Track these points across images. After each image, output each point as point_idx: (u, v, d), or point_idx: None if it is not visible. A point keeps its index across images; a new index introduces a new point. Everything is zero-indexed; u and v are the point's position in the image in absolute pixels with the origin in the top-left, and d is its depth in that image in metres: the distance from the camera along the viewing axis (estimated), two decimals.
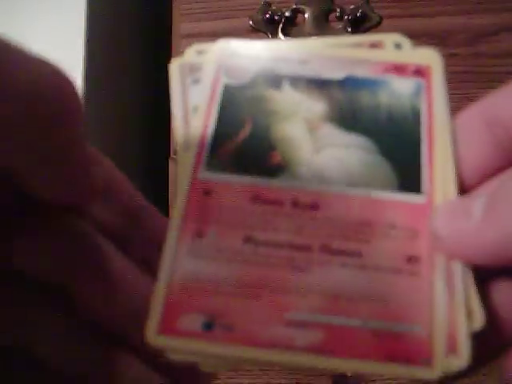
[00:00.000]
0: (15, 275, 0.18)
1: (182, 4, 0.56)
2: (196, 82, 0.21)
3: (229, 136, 0.20)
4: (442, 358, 0.16)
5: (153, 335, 0.17)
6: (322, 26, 0.54)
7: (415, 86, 0.20)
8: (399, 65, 0.21)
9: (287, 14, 0.54)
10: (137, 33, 0.70)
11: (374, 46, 0.21)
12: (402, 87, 0.20)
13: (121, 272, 0.19)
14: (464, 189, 0.19)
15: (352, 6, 0.54)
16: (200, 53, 0.22)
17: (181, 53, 0.21)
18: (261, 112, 0.20)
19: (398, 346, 0.17)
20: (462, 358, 0.16)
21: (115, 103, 0.61)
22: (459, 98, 0.53)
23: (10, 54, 0.14)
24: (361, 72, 0.21)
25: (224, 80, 0.21)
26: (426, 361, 0.16)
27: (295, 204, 0.19)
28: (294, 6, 0.55)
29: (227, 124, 0.20)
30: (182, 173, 0.19)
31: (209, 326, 0.17)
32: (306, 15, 0.55)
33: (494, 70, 0.51)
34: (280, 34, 0.54)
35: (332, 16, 0.54)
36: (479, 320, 0.17)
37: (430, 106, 0.20)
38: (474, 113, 0.19)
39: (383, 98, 0.20)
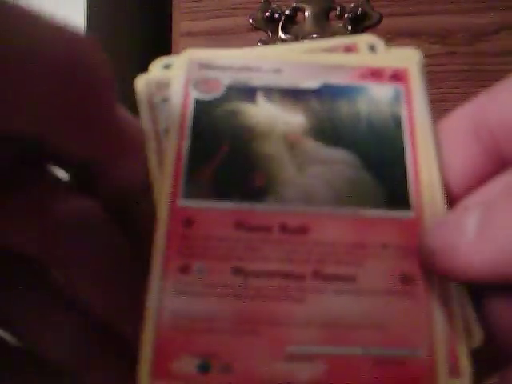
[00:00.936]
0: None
1: (181, 2, 0.56)
2: (165, 100, 0.20)
3: (205, 157, 0.19)
4: (445, 381, 0.16)
5: (145, 381, 0.16)
6: (322, 24, 0.54)
7: (394, 93, 0.20)
8: (375, 70, 0.20)
9: (287, 12, 0.55)
10: (137, 32, 0.70)
11: (349, 49, 0.20)
12: (381, 94, 0.20)
13: None
14: (451, 197, 0.18)
15: (352, 5, 0.54)
16: (167, 67, 0.20)
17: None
18: (237, 129, 0.19)
19: (401, 372, 0.16)
20: (464, 379, 0.16)
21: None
22: (459, 97, 0.53)
23: (38, 25, 0.14)
24: (337, 79, 0.20)
25: (194, 95, 0.20)
26: None
27: (283, 229, 0.18)
28: (294, 5, 0.55)
29: (203, 144, 0.19)
30: (159, 202, 0.18)
31: (205, 368, 0.16)
32: (306, 13, 0.55)
33: (494, 69, 0.51)
34: (280, 33, 0.54)
35: (332, 14, 0.55)
36: (478, 337, 0.16)
37: (410, 112, 0.19)
38: (460, 116, 0.19)
39: (362, 106, 0.19)
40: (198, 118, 0.19)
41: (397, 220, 0.18)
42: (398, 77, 0.20)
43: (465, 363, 0.16)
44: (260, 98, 0.20)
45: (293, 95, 0.20)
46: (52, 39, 0.15)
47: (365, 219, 0.18)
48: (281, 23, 0.54)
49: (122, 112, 0.18)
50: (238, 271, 0.17)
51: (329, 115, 0.19)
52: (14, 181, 0.17)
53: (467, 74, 0.51)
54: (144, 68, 0.21)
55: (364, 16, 0.53)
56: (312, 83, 0.20)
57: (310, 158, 0.19)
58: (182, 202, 0.18)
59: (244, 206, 0.18)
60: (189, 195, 0.18)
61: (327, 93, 0.20)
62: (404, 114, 0.19)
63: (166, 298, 0.17)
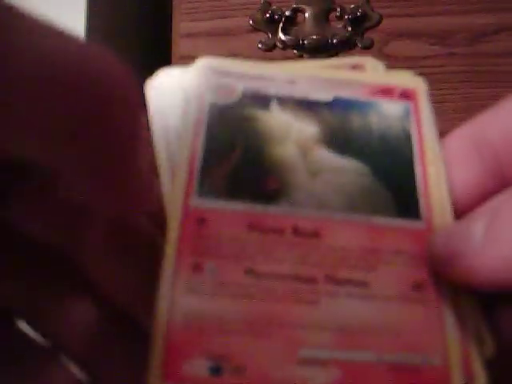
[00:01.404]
0: (14, 238, 0.17)
1: (181, 3, 0.56)
2: (176, 103, 0.20)
3: (220, 159, 0.19)
4: None
5: (156, 383, 0.15)
6: (322, 25, 0.54)
7: (403, 109, 0.20)
8: (386, 87, 0.21)
9: (287, 13, 0.54)
10: (136, 32, 0.70)
11: (355, 68, 0.21)
12: (391, 110, 0.20)
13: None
14: (456, 213, 0.18)
15: (352, 6, 0.54)
16: (173, 75, 0.20)
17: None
18: (251, 134, 0.19)
19: (416, 380, 0.16)
20: None
21: None
22: (459, 98, 0.53)
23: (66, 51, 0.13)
24: (348, 94, 0.21)
25: (209, 99, 0.20)
26: None
27: (296, 232, 0.18)
28: (295, 6, 0.55)
29: (217, 146, 0.19)
30: (171, 201, 0.18)
31: (217, 371, 0.16)
32: (306, 14, 0.55)
33: (493, 70, 0.51)
34: (280, 34, 0.54)
35: (332, 15, 0.54)
36: (490, 346, 0.16)
37: (419, 129, 0.20)
38: (462, 135, 0.19)
39: (373, 120, 0.20)
40: (213, 121, 0.19)
41: (408, 229, 0.18)
42: (407, 95, 0.21)
43: (479, 371, 0.16)
44: (274, 106, 0.20)
45: (306, 106, 0.20)
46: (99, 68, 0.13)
47: (377, 226, 0.18)
48: (281, 24, 0.54)
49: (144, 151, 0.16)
50: (250, 272, 0.17)
51: (341, 126, 0.20)
52: None
53: (467, 75, 0.51)
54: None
55: (364, 17, 0.53)
56: (325, 96, 0.20)
57: (322, 165, 0.19)
58: (196, 201, 0.18)
59: (257, 207, 0.18)
60: (202, 194, 0.18)
61: (339, 106, 0.20)
62: (413, 129, 0.20)
63: (177, 297, 0.16)
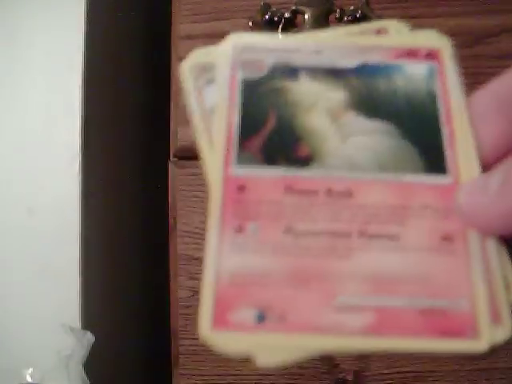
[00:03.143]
0: None
1: (181, 5, 0.56)
2: (210, 81, 0.21)
3: (255, 130, 0.20)
4: (488, 329, 0.17)
5: (207, 330, 0.17)
6: (322, 27, 0.54)
7: (429, 69, 0.21)
8: (411, 49, 0.22)
9: (287, 15, 0.54)
10: (136, 33, 0.70)
11: (379, 32, 0.22)
12: (417, 71, 0.21)
13: None
14: (484, 168, 0.19)
15: (352, 7, 0.54)
16: (207, 54, 0.22)
17: (181, 55, 0.21)
18: (282, 104, 0.21)
19: (445, 321, 0.17)
20: (506, 328, 0.17)
21: (115, 103, 0.61)
22: None
23: None
24: (374, 58, 0.21)
25: (241, 75, 0.21)
26: (474, 334, 0.17)
27: (329, 193, 0.19)
28: (294, 7, 0.55)
29: (251, 118, 0.21)
30: (212, 171, 0.20)
31: (261, 318, 0.17)
32: (306, 16, 0.54)
33: (494, 72, 0.51)
34: (280, 35, 0.54)
35: (332, 17, 0.54)
36: None
37: (444, 87, 0.21)
38: (487, 92, 0.20)
39: (399, 82, 0.21)
40: (246, 96, 0.21)
41: (435, 184, 0.19)
42: (432, 55, 0.22)
43: (507, 314, 0.17)
44: (302, 77, 0.21)
45: (333, 73, 0.21)
46: None
47: (405, 184, 0.19)
48: (280, 26, 0.54)
49: None
50: (288, 231, 0.19)
51: (368, 90, 0.21)
52: None
53: (467, 77, 0.51)
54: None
55: (363, 19, 0.53)
56: (351, 62, 0.22)
57: (352, 129, 0.20)
58: (235, 170, 0.20)
59: (292, 172, 0.20)
60: (241, 163, 0.20)
61: (365, 71, 0.21)
62: (439, 89, 0.21)
63: (223, 256, 0.18)
